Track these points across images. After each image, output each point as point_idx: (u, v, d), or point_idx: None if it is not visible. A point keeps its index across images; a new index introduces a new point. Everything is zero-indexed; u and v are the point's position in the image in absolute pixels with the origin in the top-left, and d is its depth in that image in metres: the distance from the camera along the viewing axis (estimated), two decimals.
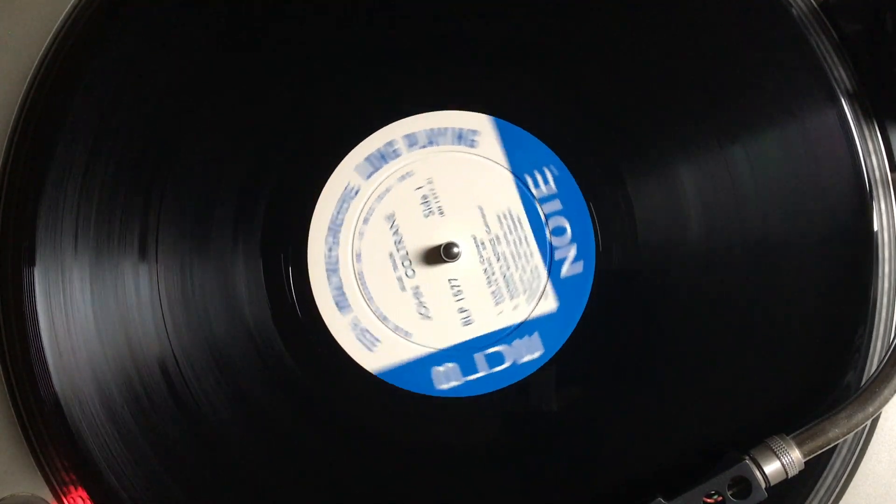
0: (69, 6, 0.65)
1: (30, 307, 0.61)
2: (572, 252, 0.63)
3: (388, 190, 0.64)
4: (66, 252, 0.61)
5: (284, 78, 0.64)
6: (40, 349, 0.60)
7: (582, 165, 0.63)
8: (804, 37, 0.63)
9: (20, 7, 0.65)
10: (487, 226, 0.64)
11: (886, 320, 0.61)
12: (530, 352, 0.63)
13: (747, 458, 0.57)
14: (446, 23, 0.64)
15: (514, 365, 0.63)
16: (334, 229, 0.64)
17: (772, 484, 0.57)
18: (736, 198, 0.62)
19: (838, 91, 0.62)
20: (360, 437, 0.62)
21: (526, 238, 0.63)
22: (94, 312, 0.61)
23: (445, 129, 0.64)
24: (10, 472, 0.62)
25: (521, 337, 0.63)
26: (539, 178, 0.64)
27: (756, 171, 0.62)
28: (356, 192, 0.64)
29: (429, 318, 0.63)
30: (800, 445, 0.57)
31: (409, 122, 0.64)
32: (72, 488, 0.61)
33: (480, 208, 0.64)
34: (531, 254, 0.63)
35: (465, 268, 0.63)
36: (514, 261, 0.63)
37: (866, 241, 0.61)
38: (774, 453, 0.57)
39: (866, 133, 0.63)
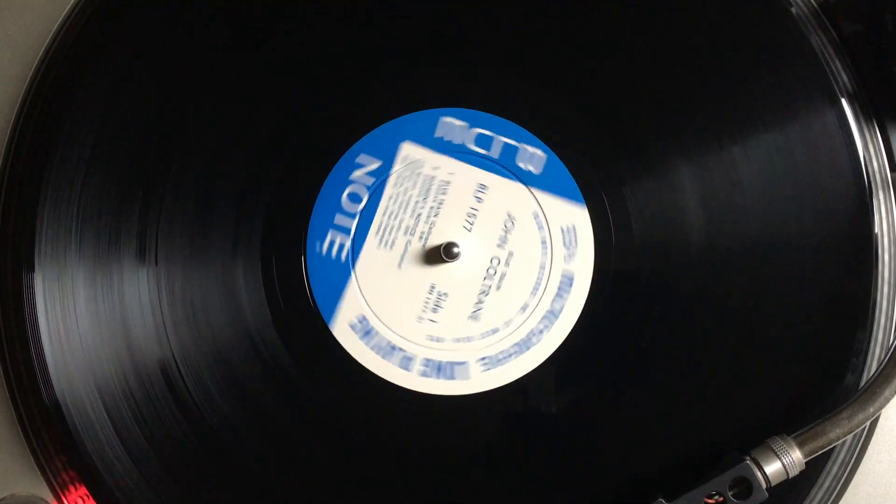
0: (69, 6, 0.65)
1: (30, 308, 0.61)
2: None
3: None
4: (66, 253, 0.61)
5: (285, 78, 0.64)
6: (40, 350, 0.60)
7: (582, 165, 0.63)
8: (804, 37, 0.63)
9: (20, 7, 0.65)
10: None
11: (887, 320, 0.61)
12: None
13: (748, 458, 0.57)
14: (446, 23, 0.64)
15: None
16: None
17: (773, 484, 0.57)
18: (736, 198, 0.62)
19: (838, 91, 0.62)
20: (361, 437, 0.62)
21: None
22: (93, 314, 0.61)
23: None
24: (10, 472, 0.62)
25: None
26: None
27: (756, 172, 0.62)
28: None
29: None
30: (800, 446, 0.57)
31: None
32: (72, 488, 0.61)
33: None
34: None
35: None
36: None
37: (866, 242, 0.61)
38: (775, 454, 0.57)
39: (866, 133, 0.63)
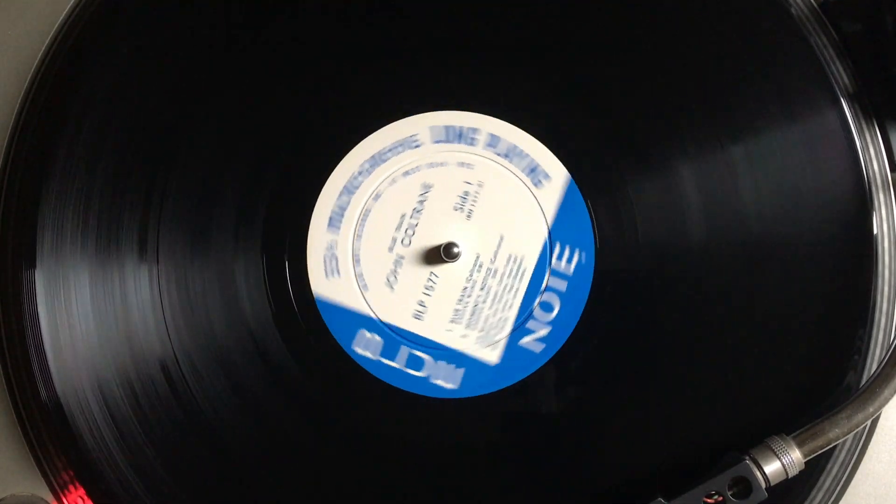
0: (69, 6, 0.65)
1: (30, 307, 0.61)
2: (543, 332, 0.63)
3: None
4: (67, 252, 0.61)
5: (285, 77, 0.64)
6: (41, 349, 0.60)
7: (582, 165, 0.63)
8: (804, 37, 0.63)
9: (20, 7, 0.65)
10: (495, 256, 0.63)
11: (886, 320, 0.61)
12: (446, 380, 0.63)
13: (747, 458, 0.57)
14: (447, 23, 0.64)
15: (426, 379, 0.63)
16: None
17: (772, 484, 0.57)
18: (736, 198, 0.62)
19: (838, 91, 0.62)
20: (361, 437, 0.62)
21: (517, 290, 0.63)
22: (94, 313, 0.61)
23: (526, 154, 0.64)
24: (10, 472, 0.62)
25: (447, 361, 0.63)
26: (566, 254, 0.63)
27: (756, 172, 0.62)
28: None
29: (392, 289, 0.63)
30: (800, 445, 0.57)
31: (502, 125, 0.64)
32: (72, 488, 0.61)
33: (501, 238, 0.63)
34: (510, 306, 0.63)
35: (451, 273, 0.63)
36: (493, 300, 0.63)
37: (866, 242, 0.61)
38: (774, 453, 0.57)
39: (866, 133, 0.63)
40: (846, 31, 0.63)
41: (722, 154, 0.62)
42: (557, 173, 0.63)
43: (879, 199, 0.62)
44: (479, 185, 0.64)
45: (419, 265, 0.63)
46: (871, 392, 0.57)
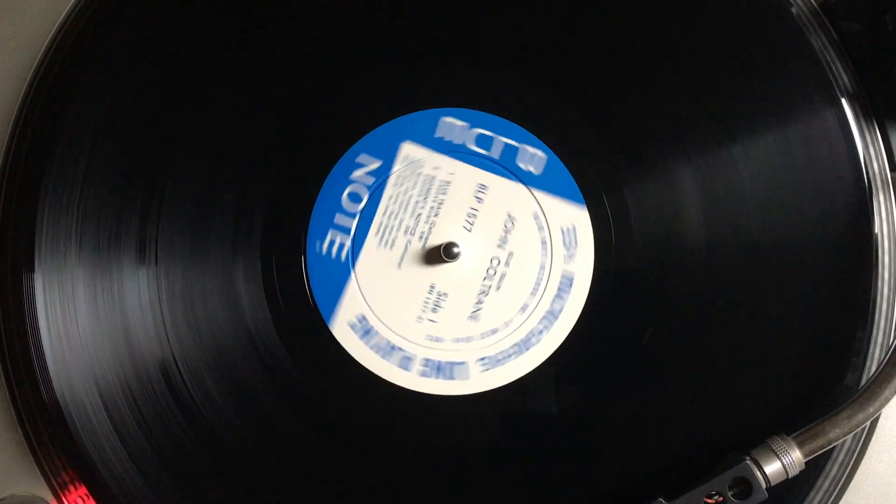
0: (69, 6, 0.65)
1: (30, 308, 0.61)
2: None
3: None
4: (66, 254, 0.61)
5: (285, 77, 0.64)
6: (40, 350, 0.60)
7: (582, 165, 0.63)
8: (804, 37, 0.63)
9: (20, 7, 0.65)
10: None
11: (886, 320, 0.61)
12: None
13: (748, 458, 0.57)
14: (447, 23, 0.64)
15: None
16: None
17: (772, 484, 0.57)
18: (736, 198, 0.62)
19: (838, 91, 0.62)
20: (360, 436, 0.62)
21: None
22: (94, 314, 0.61)
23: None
24: (10, 472, 0.62)
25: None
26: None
27: (756, 172, 0.62)
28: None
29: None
30: (800, 446, 0.57)
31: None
32: (72, 488, 0.61)
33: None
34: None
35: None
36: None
37: (866, 242, 0.61)
38: (775, 453, 0.57)
39: (866, 133, 0.63)
40: (846, 31, 0.63)
41: (722, 154, 0.62)
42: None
43: (879, 199, 0.62)
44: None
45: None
46: (872, 392, 0.57)
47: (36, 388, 0.61)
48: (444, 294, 0.63)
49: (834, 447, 0.58)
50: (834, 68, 0.63)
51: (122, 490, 0.61)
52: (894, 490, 0.62)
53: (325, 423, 0.62)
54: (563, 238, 0.63)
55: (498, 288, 0.63)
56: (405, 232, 0.63)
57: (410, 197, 0.64)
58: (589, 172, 0.63)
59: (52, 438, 0.61)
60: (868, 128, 0.63)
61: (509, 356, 0.63)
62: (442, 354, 0.63)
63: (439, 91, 0.64)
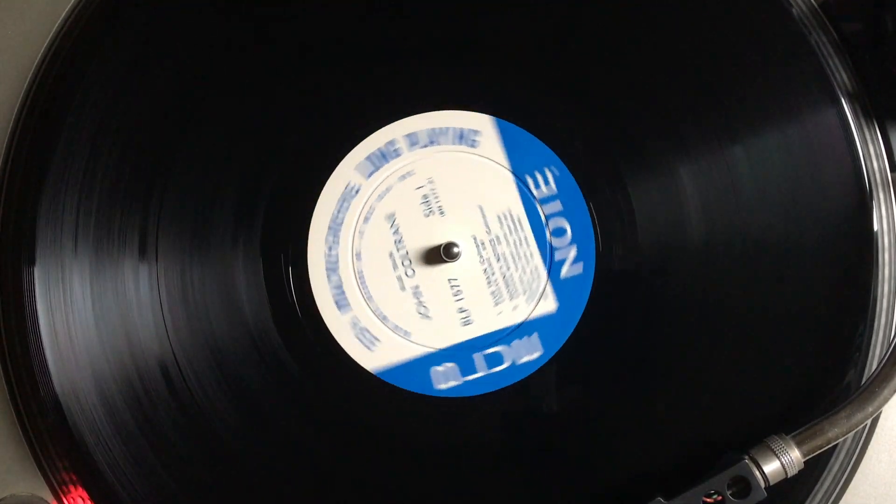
0: (69, 6, 0.65)
1: (30, 307, 0.61)
2: (572, 253, 0.63)
3: (388, 189, 0.64)
4: (66, 252, 0.61)
5: (284, 77, 0.64)
6: (40, 349, 0.60)
7: (582, 165, 0.63)
8: (804, 37, 0.63)
9: (20, 7, 0.65)
10: (488, 226, 0.64)
11: (886, 320, 0.61)
12: (529, 352, 0.63)
13: (747, 457, 0.57)
14: (447, 23, 0.64)
15: (512, 365, 0.63)
16: (334, 228, 0.64)
17: (771, 483, 0.57)
18: (736, 198, 0.62)
19: (838, 91, 0.62)
20: (360, 436, 0.62)
21: (526, 239, 0.63)
22: (94, 312, 0.61)
23: (447, 128, 0.64)
24: (10, 472, 0.62)
25: (520, 337, 0.63)
26: (540, 178, 0.64)
27: (756, 171, 0.62)
28: (357, 192, 0.64)
29: (428, 317, 0.63)
30: (799, 445, 0.57)
31: (411, 121, 0.64)
32: (72, 488, 0.61)
33: (481, 208, 0.64)
34: (531, 254, 0.63)
35: (464, 268, 0.63)
36: (514, 261, 0.63)
37: (866, 241, 0.61)
38: (774, 453, 0.57)
39: (866, 133, 0.63)
40: (846, 31, 0.63)
41: (722, 154, 0.62)
42: (481, 124, 0.64)
43: (879, 198, 0.62)
44: (431, 182, 0.64)
45: (435, 283, 0.63)
46: (871, 392, 0.57)
47: (36, 386, 0.61)
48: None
49: (834, 447, 0.58)
50: (834, 68, 0.63)
51: (122, 490, 0.61)
52: (894, 490, 0.62)
53: (324, 422, 0.62)
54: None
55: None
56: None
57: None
58: (589, 172, 0.63)
59: (52, 438, 0.61)
60: (868, 128, 0.63)
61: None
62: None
63: (438, 91, 0.64)
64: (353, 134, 0.64)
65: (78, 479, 0.61)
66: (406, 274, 0.63)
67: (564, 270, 0.63)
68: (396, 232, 0.64)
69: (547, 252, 0.63)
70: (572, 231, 0.63)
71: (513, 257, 0.64)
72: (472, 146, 0.64)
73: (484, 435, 0.63)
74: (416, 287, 0.63)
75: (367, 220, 0.64)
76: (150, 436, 0.61)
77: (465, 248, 0.63)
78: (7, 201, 0.63)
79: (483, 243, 0.64)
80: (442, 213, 0.64)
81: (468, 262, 0.63)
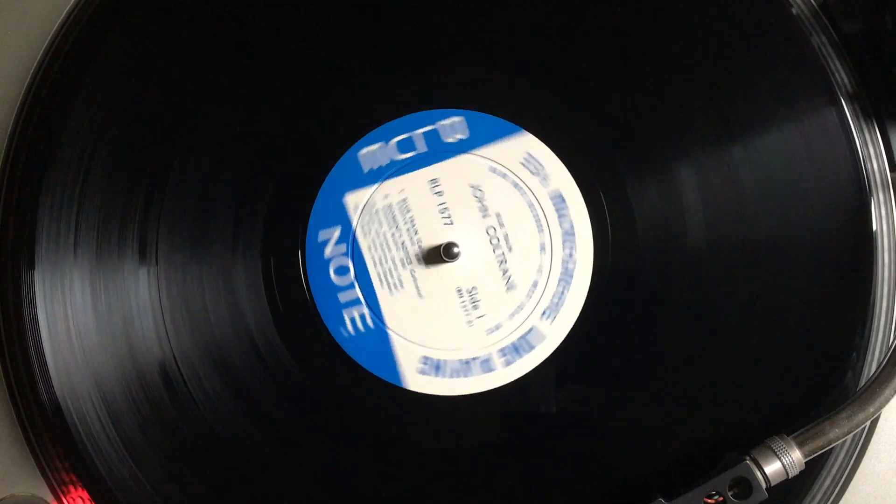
0: (69, 6, 0.65)
1: (30, 308, 0.61)
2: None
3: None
4: (66, 254, 0.61)
5: (285, 78, 0.64)
6: (40, 350, 0.60)
7: (582, 166, 0.63)
8: (804, 37, 0.63)
9: (20, 8, 0.65)
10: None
11: (886, 320, 0.61)
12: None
13: (748, 458, 0.57)
14: (447, 23, 0.64)
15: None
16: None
17: (772, 484, 0.57)
18: (736, 198, 0.62)
19: (838, 91, 0.62)
20: (361, 436, 0.62)
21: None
22: (94, 314, 0.61)
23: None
24: (10, 472, 0.62)
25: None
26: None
27: (756, 171, 0.62)
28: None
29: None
30: (800, 446, 0.57)
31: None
32: (72, 488, 0.61)
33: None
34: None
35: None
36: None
37: (866, 242, 0.61)
38: (775, 453, 0.57)
39: (866, 133, 0.63)
40: (846, 31, 0.63)
41: (722, 154, 0.62)
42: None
43: (879, 198, 0.62)
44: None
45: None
46: (872, 392, 0.57)
47: (36, 387, 0.61)
48: (474, 288, 0.63)
49: (834, 447, 0.58)
50: (834, 68, 0.63)
51: (122, 490, 0.61)
52: (894, 490, 0.62)
53: (325, 423, 0.62)
54: (528, 168, 0.63)
55: (510, 248, 0.63)
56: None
57: (384, 234, 0.63)
58: (589, 172, 0.63)
59: (52, 438, 0.61)
60: (868, 128, 0.63)
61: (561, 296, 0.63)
62: (510, 337, 0.63)
63: (437, 91, 0.64)
64: (353, 134, 0.64)
65: (78, 479, 0.61)
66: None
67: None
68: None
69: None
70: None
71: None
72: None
73: (483, 435, 0.63)
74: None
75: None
76: (150, 436, 0.61)
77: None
78: (6, 203, 0.63)
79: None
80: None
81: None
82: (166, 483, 0.61)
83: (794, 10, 0.63)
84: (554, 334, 0.63)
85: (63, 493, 0.62)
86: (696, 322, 0.62)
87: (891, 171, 0.62)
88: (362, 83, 0.64)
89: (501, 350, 0.63)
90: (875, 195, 0.62)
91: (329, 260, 0.63)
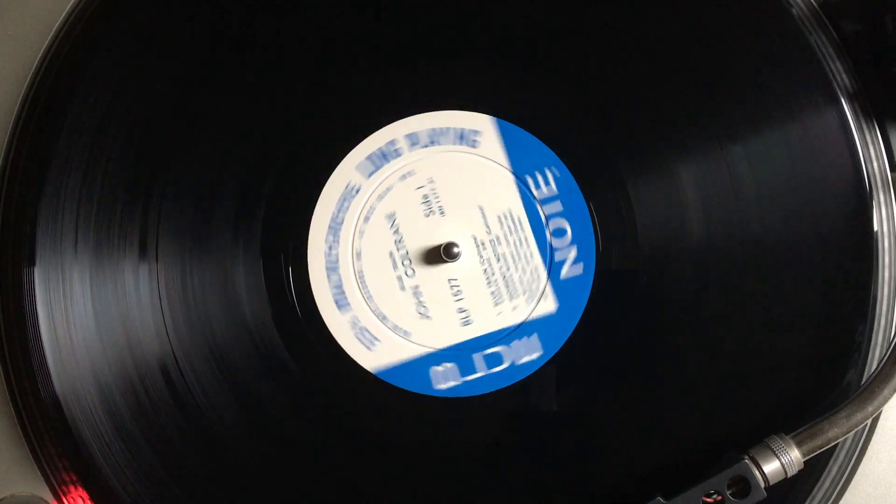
0: (69, 6, 0.65)
1: (30, 307, 0.61)
2: (572, 254, 0.63)
3: (388, 189, 0.64)
4: (66, 252, 0.61)
5: (285, 77, 0.64)
6: (40, 349, 0.60)
7: (582, 166, 0.63)
8: (804, 37, 0.63)
9: (20, 7, 0.65)
10: (488, 226, 0.64)
11: (886, 319, 0.61)
12: (529, 353, 0.63)
13: (746, 457, 0.57)
14: (447, 23, 0.64)
15: (512, 366, 0.63)
16: (334, 228, 0.64)
17: (771, 483, 0.57)
18: (736, 198, 0.62)
19: (838, 91, 0.62)
20: (360, 436, 0.62)
21: (526, 239, 0.64)
22: (94, 312, 0.61)
23: (447, 129, 0.64)
24: (10, 472, 0.62)
25: (519, 338, 0.63)
26: (540, 179, 0.64)
27: (756, 171, 0.62)
28: (357, 191, 0.64)
29: (428, 317, 0.63)
30: (799, 445, 0.57)
31: (412, 121, 0.64)
32: (72, 488, 0.61)
33: (481, 208, 0.64)
34: (531, 255, 0.63)
35: (464, 268, 0.63)
36: (514, 261, 0.63)
37: (866, 241, 0.61)
38: (774, 453, 0.57)
39: (866, 133, 0.63)
40: (846, 31, 0.63)
41: (722, 154, 0.62)
42: (482, 124, 0.64)
43: (879, 198, 0.62)
44: (431, 182, 0.64)
45: (435, 283, 0.63)
46: (871, 391, 0.57)
47: (36, 387, 0.61)
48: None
49: (834, 447, 0.58)
50: (834, 68, 0.63)
51: (122, 489, 0.61)
52: (894, 490, 0.62)
53: (324, 422, 0.62)
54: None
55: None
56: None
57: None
58: (589, 172, 0.63)
59: (52, 438, 0.61)
60: (868, 128, 0.63)
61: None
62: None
63: (436, 90, 0.64)
64: (354, 133, 0.64)
65: (78, 479, 0.61)
66: (406, 274, 0.64)
67: (564, 271, 0.63)
68: (397, 232, 0.64)
69: (547, 252, 0.63)
70: (572, 232, 0.63)
71: (513, 258, 0.64)
72: (473, 146, 0.64)
73: (483, 435, 0.63)
74: (416, 287, 0.63)
75: (367, 219, 0.64)
76: (150, 435, 0.61)
77: (465, 247, 0.63)
78: (7, 201, 0.63)
79: (483, 243, 0.64)
80: (442, 213, 0.64)
81: (468, 261, 0.63)
82: (166, 482, 0.61)
83: (794, 10, 0.63)
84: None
85: (63, 493, 0.62)
86: (696, 322, 0.62)
87: (891, 171, 0.62)
88: (362, 83, 0.64)
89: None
90: (875, 195, 0.62)
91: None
